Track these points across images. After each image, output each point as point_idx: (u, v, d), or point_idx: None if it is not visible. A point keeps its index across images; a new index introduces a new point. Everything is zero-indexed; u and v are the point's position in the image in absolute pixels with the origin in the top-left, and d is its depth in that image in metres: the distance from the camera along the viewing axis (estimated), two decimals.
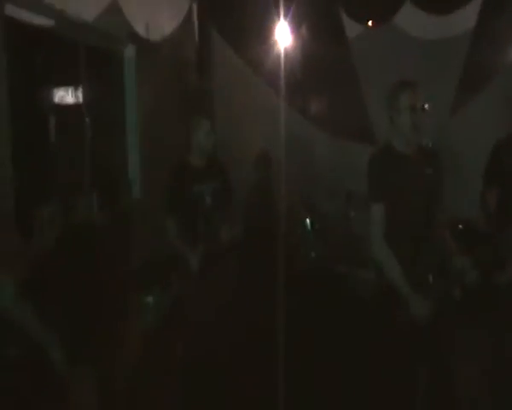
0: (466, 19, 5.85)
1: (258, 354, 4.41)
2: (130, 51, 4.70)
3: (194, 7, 6.12)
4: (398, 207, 3.05)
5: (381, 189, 3.07)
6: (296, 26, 6.11)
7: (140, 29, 4.84)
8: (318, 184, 6.05)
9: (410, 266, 3.03)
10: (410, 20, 5.95)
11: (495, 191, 4.20)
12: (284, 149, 5.26)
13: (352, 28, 6.17)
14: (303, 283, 5.31)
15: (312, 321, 5.17)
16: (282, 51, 5.61)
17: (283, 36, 5.91)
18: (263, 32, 6.06)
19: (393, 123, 3.12)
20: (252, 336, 4.54)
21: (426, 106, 3.07)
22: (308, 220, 5.56)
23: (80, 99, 4.30)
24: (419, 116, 3.03)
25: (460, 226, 5.38)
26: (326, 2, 6.13)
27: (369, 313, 3.37)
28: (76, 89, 4.27)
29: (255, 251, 5.15)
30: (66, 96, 4.22)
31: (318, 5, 6.12)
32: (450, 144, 5.64)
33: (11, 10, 3.72)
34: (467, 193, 4.64)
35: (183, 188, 3.89)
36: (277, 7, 5.55)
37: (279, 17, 5.72)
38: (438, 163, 3.20)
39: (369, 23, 6.42)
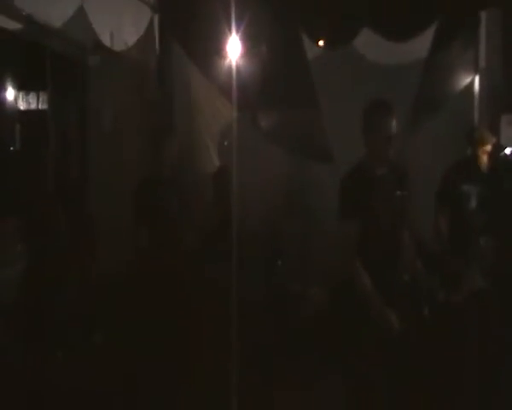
0: (420, 47, 6.09)
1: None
2: (94, 59, 4.65)
3: (156, 18, 6.11)
4: (368, 224, 3.11)
5: (352, 206, 3.11)
6: (254, 43, 6.19)
7: (104, 38, 4.80)
8: (277, 200, 6.09)
9: (381, 282, 3.09)
10: (368, 44, 6.13)
11: (447, 213, 4.38)
12: (239, 164, 5.31)
13: (312, 49, 6.30)
14: (259, 302, 5.33)
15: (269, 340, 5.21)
16: (235, 67, 5.68)
17: (237, 52, 5.99)
18: (219, 47, 6.13)
19: (366, 143, 3.21)
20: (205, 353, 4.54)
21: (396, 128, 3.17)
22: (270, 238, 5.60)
23: (45, 105, 4.22)
24: (392, 138, 3.13)
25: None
26: (286, 22, 6.25)
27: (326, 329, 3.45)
28: (41, 95, 4.19)
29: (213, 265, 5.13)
30: (31, 101, 4.13)
31: (279, 25, 6.24)
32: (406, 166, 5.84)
33: None
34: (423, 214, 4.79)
35: (153, 199, 3.90)
36: (229, 22, 5.58)
37: (231, 33, 5.77)
38: (407, 183, 3.31)
39: (321, 43, 6.59)
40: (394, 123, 3.15)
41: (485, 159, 4.39)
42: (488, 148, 4.46)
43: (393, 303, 3.08)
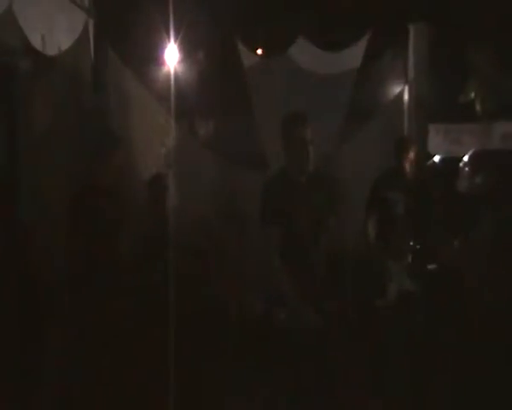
0: (353, 57, 6.29)
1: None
2: (25, 64, 4.54)
3: (91, 23, 6.03)
4: (289, 229, 3.26)
5: (272, 213, 3.27)
6: (191, 51, 6.23)
7: (35, 42, 4.69)
8: (213, 206, 6.12)
9: (304, 282, 3.23)
10: (303, 53, 6.27)
11: (375, 219, 4.55)
12: (176, 171, 5.31)
13: (247, 57, 6.39)
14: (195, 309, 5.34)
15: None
16: (173, 74, 5.70)
17: (174, 58, 6.01)
18: (154, 53, 6.12)
19: (286, 151, 3.33)
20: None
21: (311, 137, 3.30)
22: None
23: None
24: (308, 146, 3.28)
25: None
26: (223, 30, 6.31)
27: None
28: None
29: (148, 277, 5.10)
30: None
31: (215, 32, 6.29)
32: (337, 173, 6.00)
33: None
34: (354, 221, 4.93)
35: (88, 211, 3.88)
36: (167, 29, 5.60)
37: (169, 39, 5.79)
38: (328, 190, 3.44)
39: (259, 51, 6.70)
40: (309, 132, 3.29)
41: (409, 167, 4.62)
42: (411, 156, 4.70)
43: (314, 303, 3.21)
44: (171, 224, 5.09)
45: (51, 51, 4.95)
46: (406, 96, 6.68)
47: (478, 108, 7.34)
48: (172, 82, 5.27)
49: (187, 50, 6.15)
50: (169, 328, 4.43)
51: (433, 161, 6.82)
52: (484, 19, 6.31)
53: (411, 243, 4.44)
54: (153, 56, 6.20)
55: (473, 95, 7.39)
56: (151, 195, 5.48)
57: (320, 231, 3.37)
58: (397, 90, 6.66)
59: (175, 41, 5.79)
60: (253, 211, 5.97)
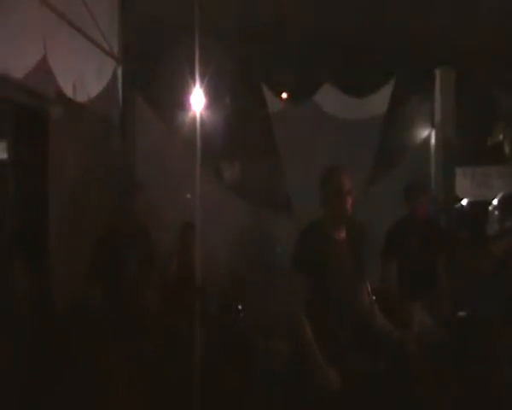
0: (380, 103, 6.30)
1: None
2: (57, 111, 4.62)
3: (119, 69, 6.15)
4: (322, 282, 3.15)
5: (306, 263, 3.16)
6: (217, 96, 6.29)
7: (67, 89, 4.78)
8: (240, 252, 6.09)
9: (331, 339, 3.12)
10: (329, 99, 6.30)
11: (394, 266, 4.57)
12: (202, 216, 5.30)
13: (273, 102, 6.43)
14: (221, 353, 5.28)
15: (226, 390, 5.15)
16: (198, 118, 5.74)
17: (200, 103, 6.07)
18: (182, 99, 6.20)
19: (324, 204, 3.29)
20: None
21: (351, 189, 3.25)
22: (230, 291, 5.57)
23: (6, 156, 4.17)
24: (346, 199, 3.20)
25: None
26: (249, 75, 6.39)
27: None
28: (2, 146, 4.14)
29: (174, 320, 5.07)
30: None
31: (241, 78, 6.37)
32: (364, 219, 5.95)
33: None
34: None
35: (112, 255, 3.86)
36: (193, 74, 5.66)
37: (194, 84, 5.85)
38: (362, 240, 3.38)
39: (285, 96, 6.75)
40: (348, 181, 3.23)
41: (421, 212, 4.62)
42: (423, 201, 4.72)
43: (339, 360, 3.10)
44: (197, 270, 5.09)
45: (81, 98, 5.03)
46: (433, 140, 6.66)
47: (506, 150, 7.30)
48: (198, 127, 5.30)
49: (213, 95, 6.20)
50: (193, 373, 4.39)
51: (461, 205, 6.76)
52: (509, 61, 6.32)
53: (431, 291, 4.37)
54: (179, 101, 6.27)
55: (501, 137, 7.36)
56: (180, 242, 5.49)
57: (355, 287, 3.29)
58: (424, 134, 6.66)
59: (200, 86, 5.86)
60: (279, 257, 6.01)
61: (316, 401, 3.07)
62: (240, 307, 5.51)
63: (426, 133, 6.66)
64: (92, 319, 3.93)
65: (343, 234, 3.28)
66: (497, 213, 5.71)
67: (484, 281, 4.20)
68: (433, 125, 6.68)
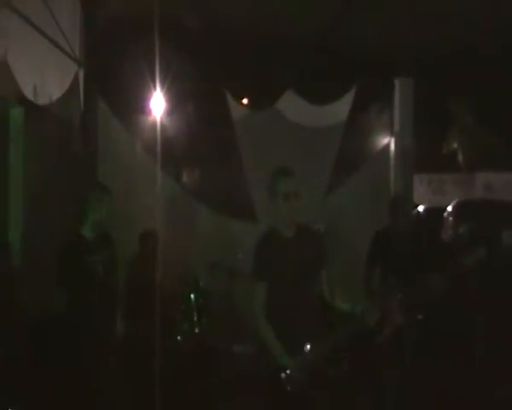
0: (340, 111, 6.41)
1: None
2: (17, 113, 4.54)
3: (81, 73, 6.06)
4: (278, 284, 3.31)
5: (264, 270, 3.33)
6: (179, 101, 6.28)
7: (28, 91, 4.69)
8: (201, 258, 6.08)
9: (290, 336, 3.24)
10: (291, 106, 6.38)
11: (377, 272, 4.79)
12: (163, 221, 5.29)
13: (235, 109, 6.46)
14: (183, 359, 5.28)
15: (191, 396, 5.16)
16: (159, 123, 5.73)
17: (161, 108, 6.05)
18: (143, 103, 6.17)
19: (273, 207, 3.39)
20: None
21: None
22: (192, 295, 5.55)
23: None
24: (293, 201, 3.31)
25: None
26: (212, 82, 6.39)
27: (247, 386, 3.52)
28: None
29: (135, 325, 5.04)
30: None
31: (204, 84, 6.37)
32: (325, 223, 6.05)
33: None
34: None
35: (77, 259, 3.84)
36: (153, 79, 5.64)
37: (155, 89, 5.83)
38: (318, 242, 3.49)
39: (246, 102, 6.78)
40: (293, 185, 3.34)
41: (403, 221, 4.86)
42: (406, 212, 4.97)
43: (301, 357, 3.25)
44: (158, 275, 5.07)
45: (43, 100, 4.95)
46: (392, 148, 6.82)
47: (460, 158, 7.53)
48: (158, 131, 5.29)
49: (174, 101, 6.19)
50: (155, 377, 4.40)
51: (418, 211, 6.92)
52: (463, 74, 6.51)
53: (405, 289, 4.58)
54: (140, 106, 6.24)
55: (455, 145, 7.58)
56: (142, 246, 5.46)
57: (309, 286, 3.40)
58: (383, 142, 6.82)
59: (161, 91, 5.84)
60: (241, 260, 6.04)
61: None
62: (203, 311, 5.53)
63: (385, 141, 6.83)
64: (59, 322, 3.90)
65: (293, 233, 3.39)
66: (451, 219, 5.92)
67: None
68: (392, 134, 6.85)
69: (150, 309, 4.83)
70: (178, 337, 5.40)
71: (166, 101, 6.07)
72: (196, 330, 5.40)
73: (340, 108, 6.45)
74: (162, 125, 5.76)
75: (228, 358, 5.41)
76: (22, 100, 4.58)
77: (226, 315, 5.65)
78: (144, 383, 4.71)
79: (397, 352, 4.56)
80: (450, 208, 5.98)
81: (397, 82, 6.72)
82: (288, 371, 3.19)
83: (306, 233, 3.46)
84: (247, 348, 5.23)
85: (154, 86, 5.62)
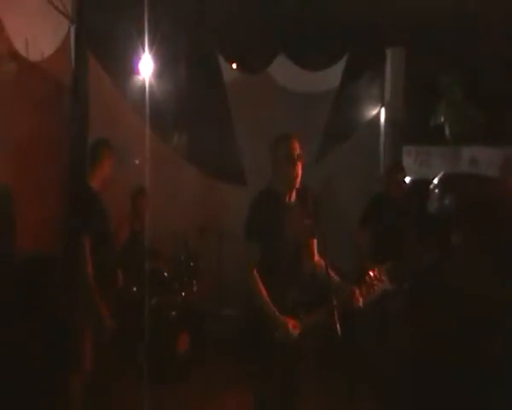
0: (332, 78, 6.41)
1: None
2: (8, 68, 4.47)
3: (72, 29, 5.97)
4: (272, 245, 3.31)
5: (257, 230, 3.30)
6: (168, 62, 6.23)
7: (20, 47, 4.63)
8: (191, 221, 6.11)
9: (281, 297, 3.29)
10: (283, 71, 6.37)
11: (367, 234, 5.00)
12: (154, 183, 5.29)
13: (227, 72, 6.44)
14: (172, 323, 5.34)
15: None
16: (147, 84, 5.68)
17: (149, 69, 6.00)
18: (131, 63, 6.11)
19: (274, 171, 3.40)
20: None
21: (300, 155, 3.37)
22: (182, 257, 5.58)
23: None
24: (296, 164, 3.32)
25: None
26: (204, 44, 6.35)
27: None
28: None
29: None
30: None
31: (196, 46, 6.32)
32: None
33: None
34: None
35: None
36: (142, 40, 5.59)
37: (144, 51, 5.79)
38: (315, 207, 3.49)
39: (237, 66, 6.75)
40: (297, 148, 3.35)
41: (396, 189, 5.11)
42: (400, 179, 5.21)
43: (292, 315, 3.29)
44: (147, 235, 5.10)
45: (35, 56, 4.88)
46: (382, 118, 6.86)
47: (447, 131, 7.59)
48: (147, 92, 5.27)
49: (163, 62, 6.15)
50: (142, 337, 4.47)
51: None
52: (453, 47, 6.52)
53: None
54: (131, 66, 6.19)
55: (442, 119, 7.63)
56: (133, 207, 5.48)
57: (303, 248, 3.44)
58: (373, 112, 6.86)
59: (149, 52, 5.80)
60: (230, 224, 6.09)
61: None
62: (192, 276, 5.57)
63: (375, 111, 6.87)
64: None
65: (294, 198, 3.40)
66: (437, 191, 6.01)
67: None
68: (382, 104, 6.89)
69: (140, 266, 4.90)
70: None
71: (156, 62, 6.03)
72: (183, 294, 5.44)
73: (332, 75, 6.47)
74: (152, 85, 5.73)
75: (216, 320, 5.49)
76: (13, 55, 4.52)
77: (215, 278, 5.71)
78: (132, 344, 4.80)
79: (381, 319, 4.68)
80: (436, 181, 6.07)
81: (388, 52, 6.74)
82: (278, 333, 3.22)
83: (306, 195, 3.45)
84: (235, 311, 5.31)
85: (143, 47, 5.58)
